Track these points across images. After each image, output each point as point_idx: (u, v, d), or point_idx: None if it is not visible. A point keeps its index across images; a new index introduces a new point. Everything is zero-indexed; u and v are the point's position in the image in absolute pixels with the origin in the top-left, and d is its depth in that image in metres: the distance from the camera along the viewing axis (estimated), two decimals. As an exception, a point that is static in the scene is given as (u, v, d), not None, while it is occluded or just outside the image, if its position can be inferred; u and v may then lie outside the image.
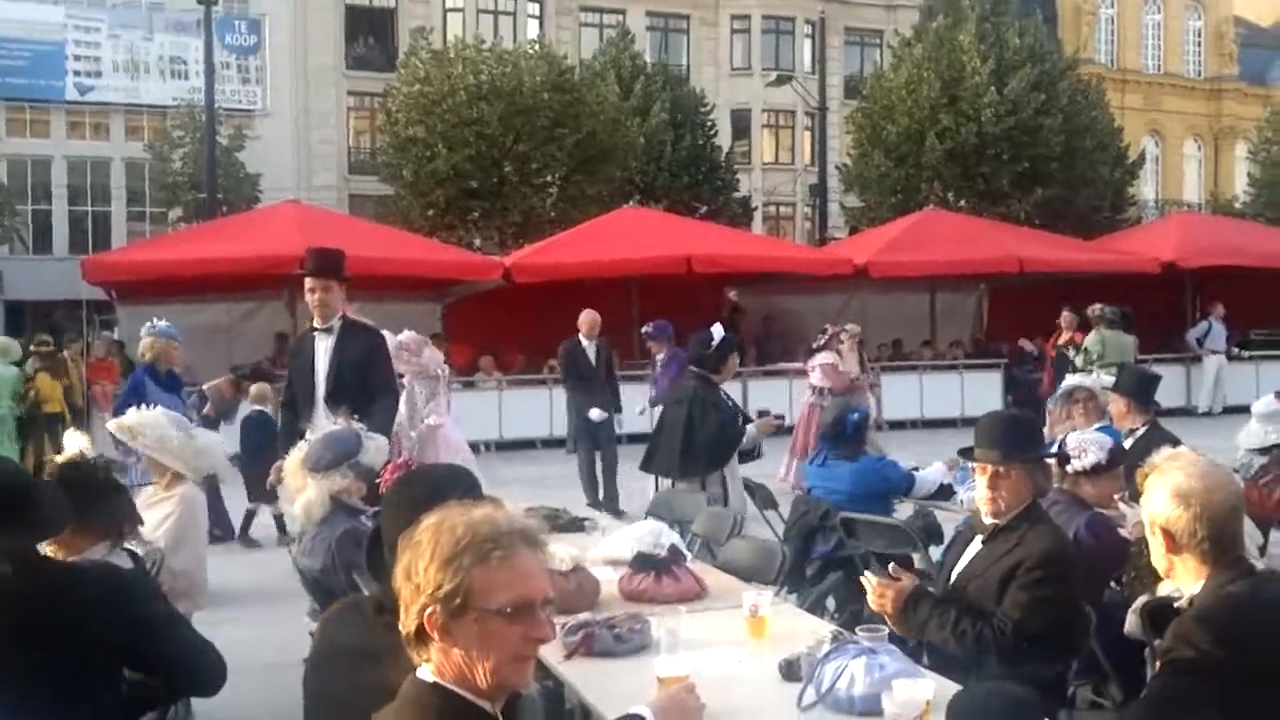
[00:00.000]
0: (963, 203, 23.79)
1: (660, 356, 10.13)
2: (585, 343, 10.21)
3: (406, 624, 1.93)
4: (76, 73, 29.59)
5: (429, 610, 1.89)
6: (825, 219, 26.03)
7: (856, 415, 6.02)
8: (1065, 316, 14.54)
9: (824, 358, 10.97)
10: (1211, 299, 19.00)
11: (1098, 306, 12.64)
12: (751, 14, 35.40)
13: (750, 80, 34.66)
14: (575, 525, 5.33)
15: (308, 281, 5.95)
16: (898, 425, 15.05)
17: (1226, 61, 41.57)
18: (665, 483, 6.81)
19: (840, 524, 5.59)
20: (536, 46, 24.68)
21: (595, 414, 10.04)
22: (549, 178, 22.12)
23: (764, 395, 13.37)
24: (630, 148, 23.45)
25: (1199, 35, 41.73)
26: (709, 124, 27.75)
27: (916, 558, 5.51)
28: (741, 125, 35.32)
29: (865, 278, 17.11)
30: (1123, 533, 4.41)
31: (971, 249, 17.76)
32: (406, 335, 8.35)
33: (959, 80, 23.74)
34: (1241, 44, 42.19)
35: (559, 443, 13.96)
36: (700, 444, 6.46)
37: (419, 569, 1.90)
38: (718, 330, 7.00)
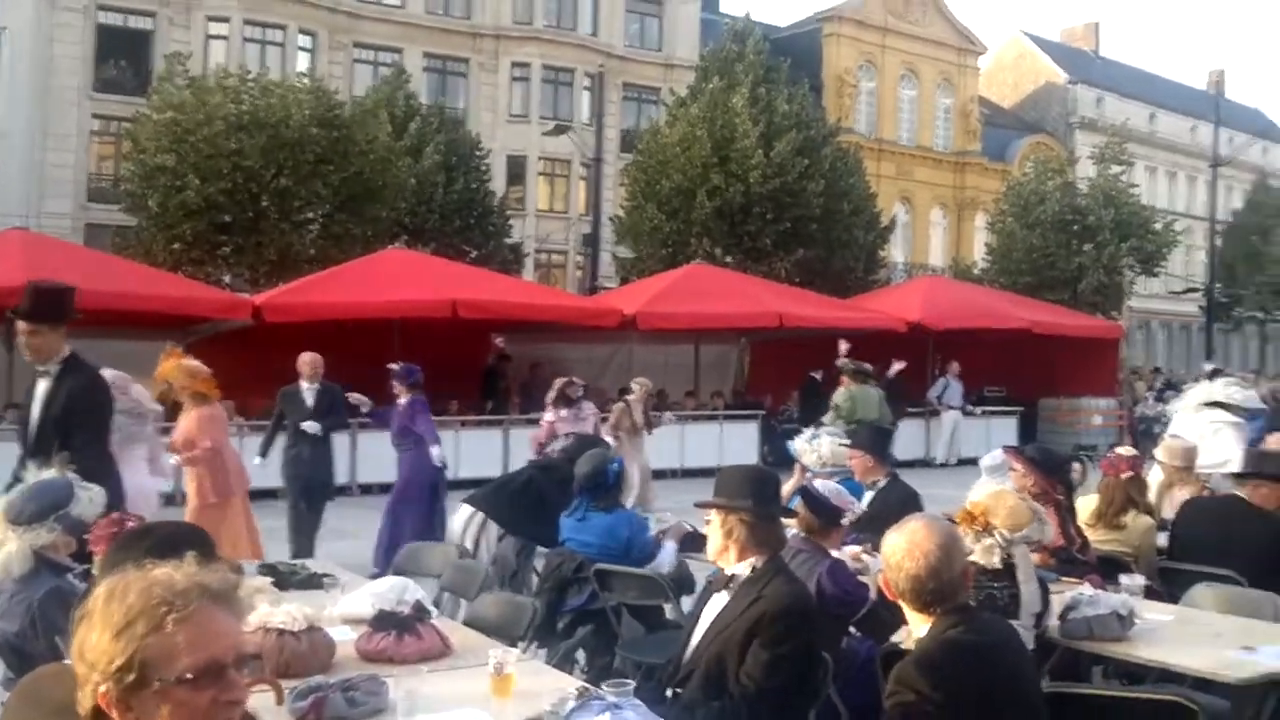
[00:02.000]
0: (729, 258, 24.54)
1: (402, 401, 9.80)
2: (305, 386, 9.57)
3: (82, 703, 1.75)
4: None
5: (101, 688, 1.72)
6: (596, 268, 26.35)
7: (616, 465, 6.06)
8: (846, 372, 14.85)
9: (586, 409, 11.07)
10: (949, 358, 20.33)
11: (844, 361, 12.98)
12: (532, 62, 35.68)
13: (528, 127, 34.85)
14: (313, 582, 5.07)
15: (17, 323, 5.52)
16: (659, 474, 15.26)
17: (971, 138, 44.82)
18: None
19: (594, 575, 5.56)
20: (305, 80, 24.00)
21: (309, 426, 9.47)
22: (311, 215, 21.39)
23: (526, 442, 13.22)
24: (400, 188, 23.00)
25: (948, 112, 44.84)
26: (483, 168, 27.64)
27: (668, 608, 5.56)
28: (517, 172, 35.40)
29: (633, 328, 17.34)
30: (863, 580, 4.58)
31: (735, 303, 18.33)
32: (109, 373, 7.82)
33: (730, 141, 24.61)
34: (985, 122, 45.64)
35: (338, 490, 13.50)
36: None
37: (90, 643, 1.73)
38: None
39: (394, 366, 9.86)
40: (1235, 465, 6.10)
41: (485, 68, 35.55)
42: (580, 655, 5.70)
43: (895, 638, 3.60)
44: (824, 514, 4.61)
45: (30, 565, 3.80)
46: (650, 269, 24.30)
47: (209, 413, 8.33)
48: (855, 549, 4.98)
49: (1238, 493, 5.54)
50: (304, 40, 32.20)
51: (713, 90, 25.66)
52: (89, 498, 4.03)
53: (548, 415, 11.33)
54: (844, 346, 14.09)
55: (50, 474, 4.15)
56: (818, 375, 17.54)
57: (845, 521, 4.66)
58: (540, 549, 6.56)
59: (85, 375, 5.71)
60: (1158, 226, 32.19)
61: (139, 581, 1.77)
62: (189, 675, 1.74)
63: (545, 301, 18.67)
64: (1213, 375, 11.99)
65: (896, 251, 39.49)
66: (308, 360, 9.68)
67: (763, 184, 24.17)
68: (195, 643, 1.74)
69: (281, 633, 3.61)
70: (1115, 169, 32.82)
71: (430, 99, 30.85)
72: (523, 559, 6.62)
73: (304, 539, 9.50)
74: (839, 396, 12.54)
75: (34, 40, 29.17)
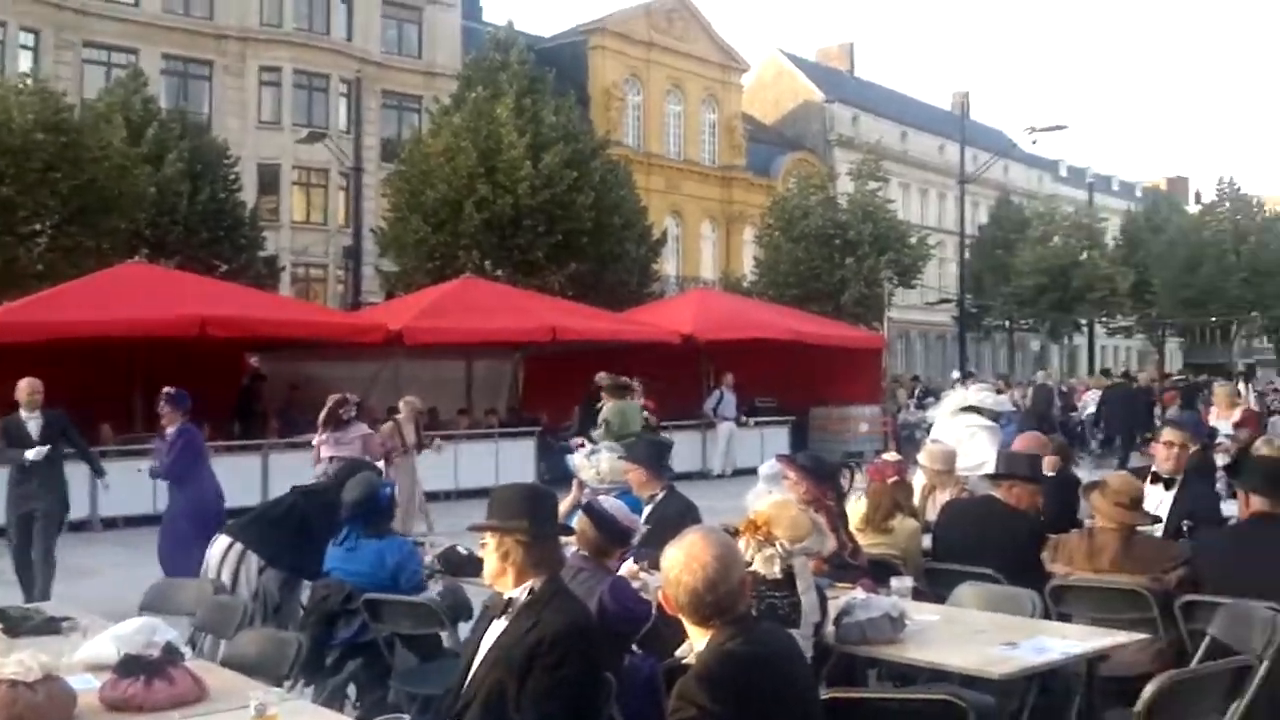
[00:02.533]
0: (500, 272, 24.38)
1: (170, 429, 9.11)
2: (26, 415, 8.77)
3: None
4: None
5: None
6: (359, 283, 25.57)
7: (388, 490, 5.84)
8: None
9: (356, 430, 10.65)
10: (723, 370, 20.83)
11: (604, 375, 12.99)
12: (282, 66, 34.40)
13: (280, 135, 33.58)
14: (50, 627, 4.62)
15: None
16: (432, 496, 14.87)
17: (736, 153, 46.33)
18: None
19: (364, 606, 5.32)
20: (29, 81, 22.28)
21: (32, 453, 8.70)
22: (38, 226, 19.80)
23: (287, 469, 12.58)
24: (138, 198, 21.55)
25: (714, 127, 46.17)
26: (232, 177, 26.38)
27: (445, 636, 5.38)
28: (270, 181, 34.04)
29: (400, 344, 16.85)
30: (644, 596, 4.54)
31: (507, 317, 18.11)
32: None
33: (497, 152, 24.44)
34: (749, 139, 47.27)
35: (78, 525, 12.51)
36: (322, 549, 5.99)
37: None
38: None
39: (168, 390, 9.11)
40: (990, 467, 6.43)
41: (231, 71, 34.00)
42: (351, 690, 5.45)
43: (678, 652, 3.56)
44: (612, 532, 4.56)
45: None
46: (417, 283, 23.83)
47: None
48: (633, 566, 4.94)
49: (994, 493, 5.80)
50: (25, 38, 30.04)
51: (476, 100, 25.45)
52: None
53: (316, 438, 10.83)
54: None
55: None
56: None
57: (624, 540, 4.61)
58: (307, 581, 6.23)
59: None
60: (913, 240, 34.25)
61: None
62: None
63: (304, 318, 17.92)
64: (965, 381, 12.72)
65: (669, 264, 40.30)
66: (25, 387, 8.83)
67: (532, 196, 24.13)
68: None
69: (14, 684, 3.31)
70: (871, 185, 34.68)
71: (170, 103, 29.38)
72: (287, 592, 6.28)
73: (41, 580, 8.71)
74: (608, 411, 12.57)
75: None
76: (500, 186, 24.16)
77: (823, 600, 4.19)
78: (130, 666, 3.65)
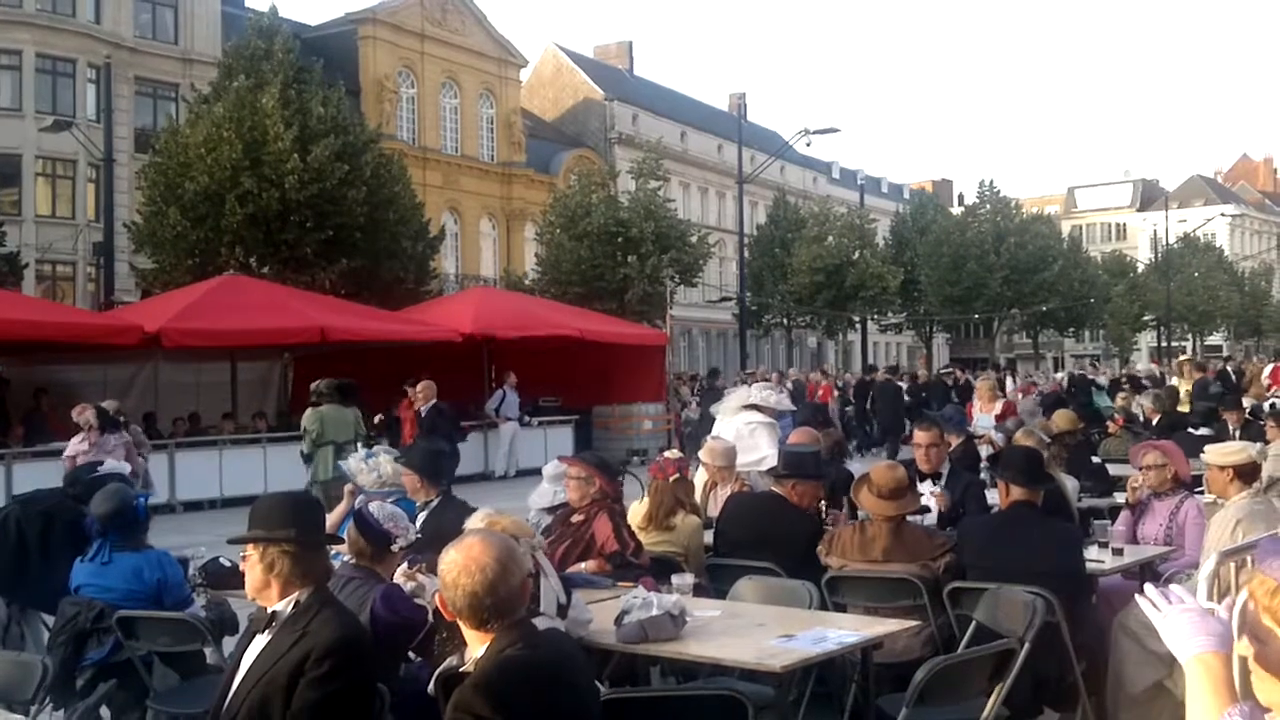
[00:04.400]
0: (266, 269, 23.35)
1: None
2: None
3: None
4: None
5: None
6: (112, 281, 23.93)
7: (143, 500, 5.50)
8: (425, 386, 14.26)
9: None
10: (505, 369, 20.65)
11: (319, 382, 12.72)
12: (23, 50, 32.01)
13: (22, 123, 31.26)
14: None
15: None
16: (195, 506, 14.16)
17: (516, 149, 46.07)
18: None
19: (118, 624, 4.99)
20: None
21: None
22: None
23: (33, 479, 11.67)
24: None
25: (492, 123, 45.76)
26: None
27: (209, 652, 5.11)
28: (10, 172, 31.73)
29: (158, 345, 15.92)
30: (420, 602, 4.42)
31: (274, 317, 17.35)
32: None
33: (262, 144, 23.38)
34: (528, 135, 47.10)
35: None
36: (46, 568, 5.56)
37: None
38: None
39: None
40: (771, 462, 6.56)
41: (-35, 53, 31.48)
42: (105, 713, 5.11)
43: (454, 661, 3.47)
44: (374, 538, 4.42)
45: None
46: (176, 280, 22.55)
47: None
48: (407, 569, 4.82)
49: (775, 490, 5.92)
50: None
51: (239, 89, 24.28)
52: None
53: (71, 446, 10.10)
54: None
55: None
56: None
57: (396, 547, 4.47)
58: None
59: None
60: (694, 239, 34.90)
61: None
62: None
63: (50, 319, 16.67)
64: (748, 380, 12.99)
65: (448, 262, 39.74)
66: None
67: (300, 190, 23.19)
68: None
69: None
70: (652, 184, 35.15)
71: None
72: (15, 609, 5.77)
73: None
74: (307, 419, 12.27)
75: None
76: (266, 180, 23.09)
77: (567, 585, 4.23)
78: None
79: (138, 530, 5.38)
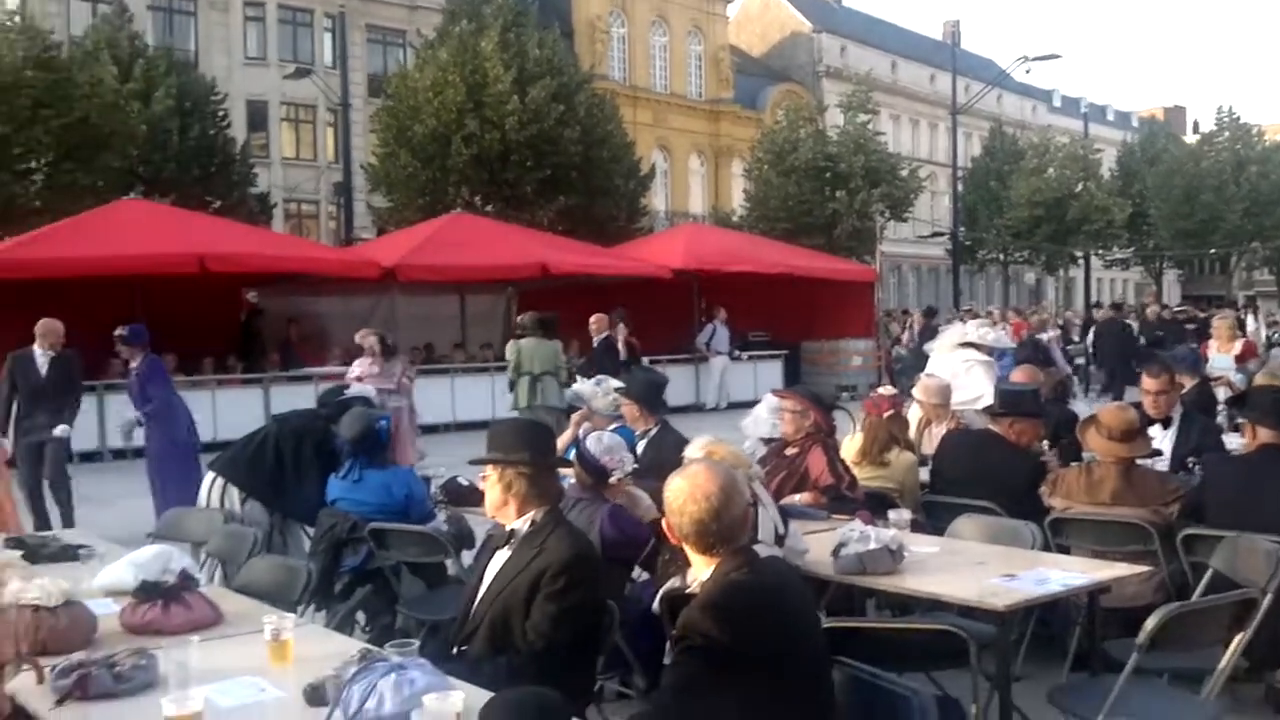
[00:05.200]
0: (489, 207, 24.25)
1: (135, 364, 9.23)
2: (39, 354, 8.99)
3: None
4: None
5: None
6: (351, 219, 25.49)
7: (385, 422, 5.91)
8: (598, 319, 14.82)
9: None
10: (715, 304, 20.85)
11: (523, 315, 13.08)
12: (266, 2, 33.97)
13: (266, 71, 33.22)
14: (68, 554, 4.73)
15: None
16: (431, 429, 15.02)
17: (724, 86, 45.81)
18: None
19: (370, 535, 5.42)
20: (16, 19, 21.98)
21: (60, 430, 8.98)
22: (34, 164, 19.73)
23: (288, 402, 12.74)
24: (130, 135, 21.45)
25: (700, 60, 45.61)
26: (221, 114, 26.19)
27: (449, 564, 5.48)
28: (258, 118, 33.82)
29: (394, 280, 16.88)
30: (639, 514, 4.63)
31: (498, 253, 18.09)
32: None
33: (483, 86, 24.18)
34: (736, 71, 46.73)
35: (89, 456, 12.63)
36: (300, 483, 6.08)
37: None
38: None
39: (121, 331, 9.23)
40: (987, 401, 6.44)
41: (215, 7, 33.59)
42: (360, 616, 5.56)
43: (677, 582, 3.65)
44: (593, 472, 4.63)
45: None
46: (408, 218, 23.73)
47: None
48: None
49: (993, 428, 5.81)
50: (9, -23, 29.41)
51: (461, 33, 25.10)
52: None
53: (357, 366, 10.82)
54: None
55: None
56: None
57: (614, 479, 4.67)
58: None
59: None
60: (904, 173, 33.94)
61: None
62: None
63: (300, 254, 17.94)
64: (964, 317, 12.68)
65: (657, 199, 40.04)
66: (48, 328, 9.07)
67: (519, 130, 23.92)
68: None
69: (36, 609, 3.39)
70: (862, 117, 34.30)
71: (157, 40, 28.98)
72: (277, 519, 6.33)
73: (61, 508, 8.97)
74: (508, 350, 12.64)
75: None
76: (487, 121, 23.94)
77: (784, 515, 4.33)
78: (148, 592, 3.73)
79: (382, 450, 5.81)
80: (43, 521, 8.71)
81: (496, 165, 24.30)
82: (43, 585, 3.45)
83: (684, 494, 2.98)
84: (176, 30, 32.70)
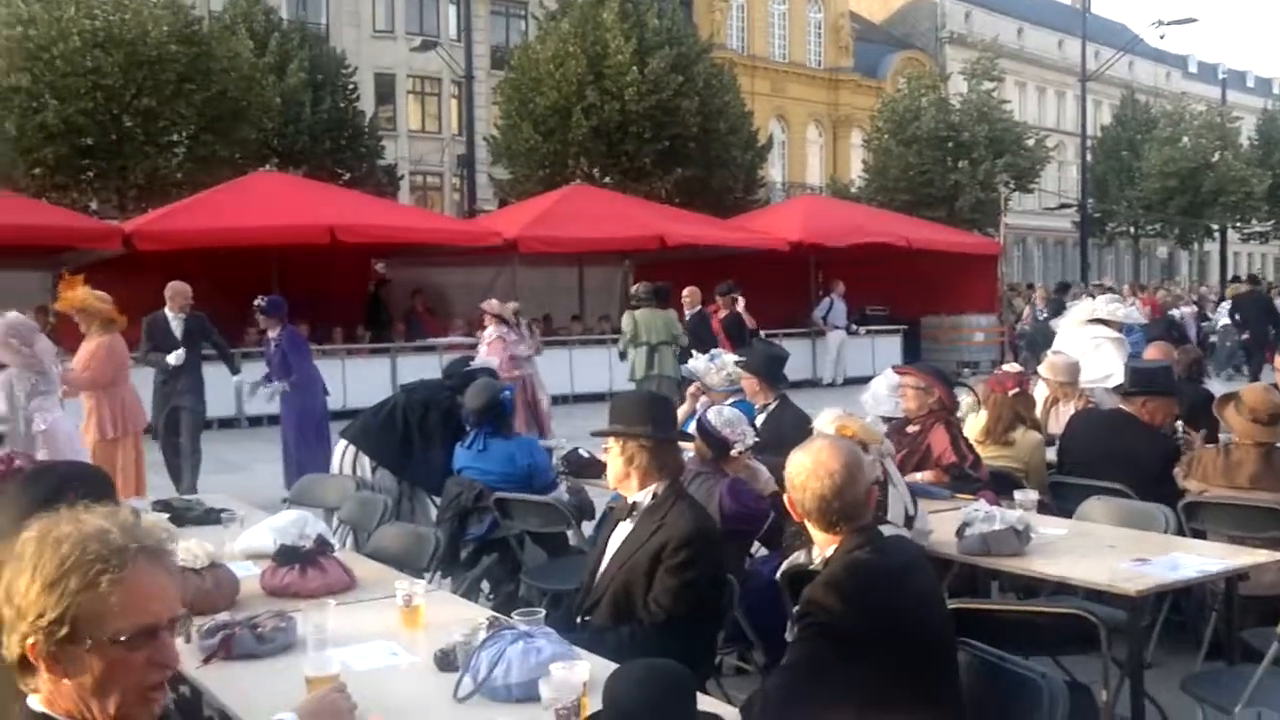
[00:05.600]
0: (608, 179, 24.35)
1: (273, 334, 9.56)
2: (171, 317, 9.37)
3: (8, 649, 1.69)
4: None
5: (30, 640, 1.66)
6: (474, 190, 25.88)
7: (508, 393, 6.02)
8: (720, 299, 14.63)
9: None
10: (833, 278, 20.60)
11: (637, 285, 13.08)
12: (393, -26, 34.62)
13: (394, 44, 33.83)
14: (211, 517, 4.95)
15: None
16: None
17: (843, 54, 45.02)
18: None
19: (495, 504, 5.53)
20: (161, -5, 22.83)
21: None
22: (176, 136, 20.50)
23: (415, 371, 13.09)
24: (265, 108, 22.15)
25: (819, 27, 44.88)
26: (350, 87, 26.81)
27: (570, 535, 5.58)
28: (386, 90, 34.47)
29: (514, 251, 17.12)
30: (759, 487, 4.64)
31: (616, 225, 18.21)
32: (15, 317, 7.36)
33: (603, 57, 24.22)
34: (856, 38, 45.85)
35: (227, 423, 13.08)
36: (426, 453, 6.24)
37: (19, 589, 1.67)
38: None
39: (259, 302, 9.56)
40: (1117, 379, 6.25)
41: (345, -20, 34.29)
42: (484, 584, 5.69)
43: (800, 559, 3.65)
44: (714, 445, 4.64)
45: None
46: (529, 190, 23.97)
47: (112, 342, 7.94)
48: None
49: (1124, 407, 5.65)
50: (153, -49, 30.46)
51: (582, 4, 25.17)
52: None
53: (491, 333, 11.02)
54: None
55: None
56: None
57: (735, 452, 4.68)
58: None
59: None
60: (1030, 143, 32.90)
61: (72, 531, 1.70)
62: (123, 637, 1.69)
63: (426, 225, 18.36)
64: (1093, 292, 12.29)
65: (774, 170, 39.66)
66: (177, 290, 9.44)
67: (638, 102, 23.91)
68: (130, 604, 1.70)
69: (183, 570, 3.53)
70: (987, 85, 33.35)
71: (290, 14, 29.73)
72: (405, 486, 6.50)
73: (188, 473, 9.32)
74: (624, 321, 12.67)
75: None
76: (607, 92, 24.00)
77: (912, 494, 4.30)
78: (287, 556, 3.88)
79: (507, 420, 5.93)
80: (187, 486, 9.08)
81: (615, 137, 24.37)
82: (189, 548, 3.60)
83: (807, 470, 2.98)
84: (309, 4, 33.49)
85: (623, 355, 12.54)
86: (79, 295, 7.93)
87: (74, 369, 7.83)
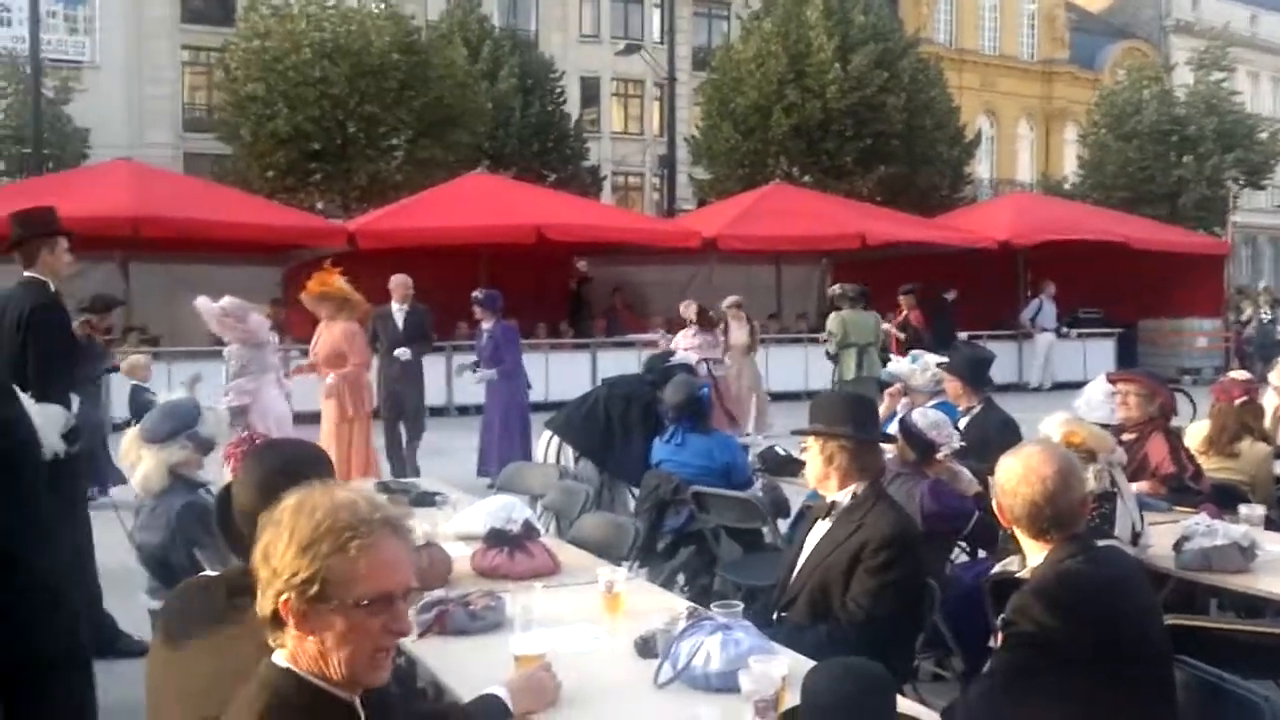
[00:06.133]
0: (808, 178, 24.18)
1: (487, 326, 9.96)
2: (395, 309, 9.90)
3: (262, 606, 1.87)
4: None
5: (284, 596, 1.82)
6: (674, 190, 26.18)
7: (705, 389, 6.10)
8: (903, 298, 14.59)
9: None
10: (1042, 278, 19.83)
11: (837, 286, 12.90)
12: (600, -19, 35.34)
13: (599, 48, 34.52)
14: (426, 500, 5.21)
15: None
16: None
17: (1058, 45, 43.23)
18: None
19: (691, 498, 5.61)
20: (383, 5, 24.03)
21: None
22: (395, 141, 21.62)
23: (614, 366, 13.37)
24: (478, 112, 23.08)
25: (1033, 18, 43.23)
26: (558, 90, 27.55)
27: (766, 531, 5.60)
28: (590, 93, 35.22)
29: (713, 249, 17.23)
30: (961, 488, 4.55)
31: (816, 223, 18.07)
32: (228, 301, 7.97)
33: (805, 56, 24.07)
34: (1072, 28, 43.95)
35: (437, 411, 13.78)
36: (626, 445, 6.43)
37: (277, 551, 1.83)
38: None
39: (477, 294, 9.98)
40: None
41: (549, -14, 35.23)
42: (679, 576, 5.77)
43: (1010, 565, 3.56)
44: (919, 446, 4.58)
45: (166, 481, 4.01)
46: (728, 189, 24.06)
47: (354, 329, 8.45)
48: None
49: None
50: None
51: (786, 3, 25.06)
52: (215, 418, 4.22)
53: (684, 337, 11.23)
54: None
55: (178, 395, 4.31)
56: (950, 295, 17.12)
57: (940, 455, 4.60)
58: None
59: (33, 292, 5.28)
60: (1263, 136, 30.84)
61: (326, 501, 1.86)
62: (365, 600, 1.83)
63: (627, 224, 18.73)
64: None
65: (982, 167, 38.51)
66: (400, 282, 9.97)
67: (840, 99, 23.66)
68: (374, 571, 1.84)
69: (410, 547, 3.74)
70: (1216, 75, 31.43)
71: (502, 22, 30.75)
72: (606, 477, 6.65)
73: (407, 458, 9.79)
74: (830, 321, 12.50)
75: (123, -27, 29.52)
76: (809, 90, 23.85)
77: (1141, 512, 4.13)
78: (496, 539, 4.06)
79: (705, 416, 6.01)
80: (399, 468, 9.56)
81: (816, 135, 24.19)
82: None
83: (1018, 475, 2.91)
84: (519, 11, 34.58)
85: (832, 357, 12.49)
86: (327, 282, 8.44)
87: (320, 356, 8.29)
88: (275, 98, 20.51)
